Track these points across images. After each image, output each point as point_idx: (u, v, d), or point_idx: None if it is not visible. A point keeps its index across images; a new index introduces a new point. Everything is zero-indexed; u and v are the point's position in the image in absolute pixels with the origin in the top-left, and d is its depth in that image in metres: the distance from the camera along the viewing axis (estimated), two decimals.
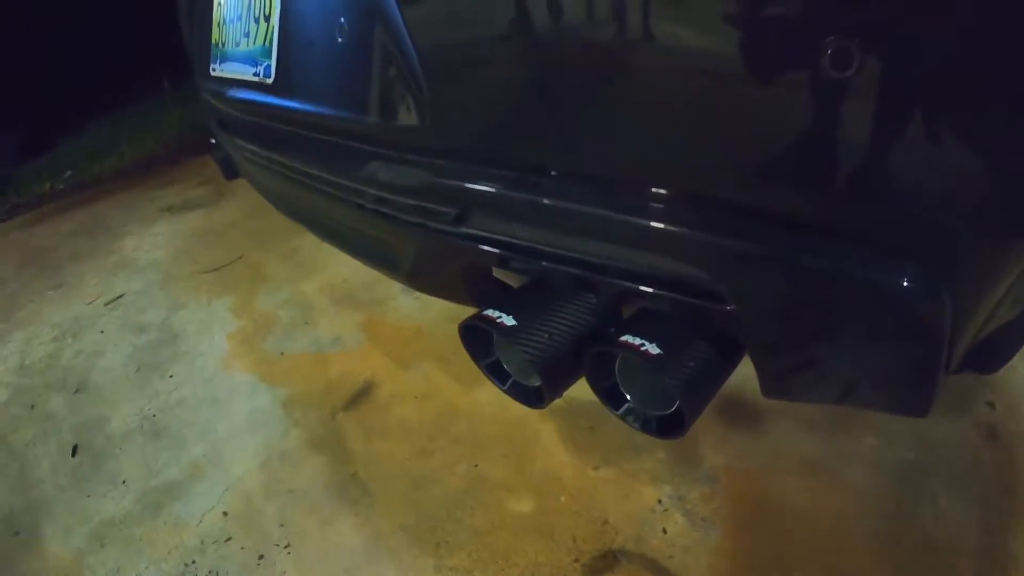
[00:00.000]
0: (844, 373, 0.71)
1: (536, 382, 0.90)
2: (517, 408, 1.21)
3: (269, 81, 1.04)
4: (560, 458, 1.11)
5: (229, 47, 1.22)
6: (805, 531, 0.93)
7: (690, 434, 1.11)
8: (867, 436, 1.08)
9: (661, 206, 0.66)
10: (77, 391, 1.58)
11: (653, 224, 0.67)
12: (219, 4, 1.24)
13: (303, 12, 0.97)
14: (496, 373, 0.91)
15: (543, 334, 0.79)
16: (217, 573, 1.02)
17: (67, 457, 1.36)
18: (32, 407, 1.56)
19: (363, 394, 1.34)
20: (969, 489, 0.98)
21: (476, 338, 0.88)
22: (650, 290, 0.72)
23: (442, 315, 1.55)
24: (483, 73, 0.77)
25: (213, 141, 1.74)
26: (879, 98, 0.53)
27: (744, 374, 1.22)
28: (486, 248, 0.82)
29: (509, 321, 0.78)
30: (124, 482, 1.25)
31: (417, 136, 0.84)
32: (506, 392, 0.91)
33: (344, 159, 0.98)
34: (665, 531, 0.95)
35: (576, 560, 0.93)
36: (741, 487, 1.01)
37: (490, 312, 0.80)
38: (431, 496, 1.07)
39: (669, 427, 0.78)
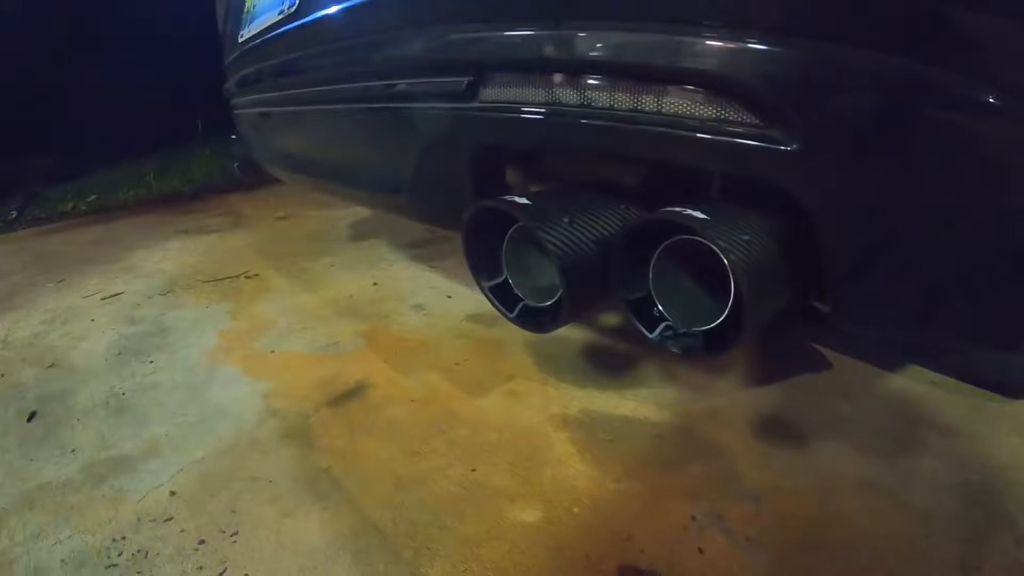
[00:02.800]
0: (928, 270, 0.59)
1: (548, 300, 0.80)
2: (527, 417, 1.08)
3: (293, 10, 1.22)
4: (575, 468, 0.95)
5: (259, 6, 1.41)
6: (868, 553, 0.76)
7: (726, 451, 0.96)
8: (926, 458, 0.93)
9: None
10: (51, 366, 1.47)
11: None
12: None
13: None
14: (503, 298, 0.80)
15: (564, 217, 0.70)
16: (146, 553, 0.85)
17: (22, 422, 1.22)
18: (2, 375, 1.44)
19: (354, 393, 1.20)
20: None
21: (485, 251, 0.79)
22: (695, 134, 0.62)
23: (450, 330, 1.44)
24: None
25: (233, 137, 1.80)
26: None
27: (783, 392, 1.09)
28: (502, 115, 0.79)
29: (524, 201, 0.69)
30: (73, 451, 1.11)
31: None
32: (514, 320, 0.81)
33: (361, 57, 1.06)
34: (702, 551, 0.78)
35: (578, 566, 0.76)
36: (790, 507, 0.85)
37: (505, 198, 0.72)
38: (416, 498, 0.92)
39: (717, 343, 0.65)
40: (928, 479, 0.89)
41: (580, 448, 0.99)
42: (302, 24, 1.23)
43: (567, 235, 0.76)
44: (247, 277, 1.96)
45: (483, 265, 0.91)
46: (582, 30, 0.71)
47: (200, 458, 1.05)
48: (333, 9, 1.12)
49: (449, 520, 0.87)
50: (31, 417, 1.24)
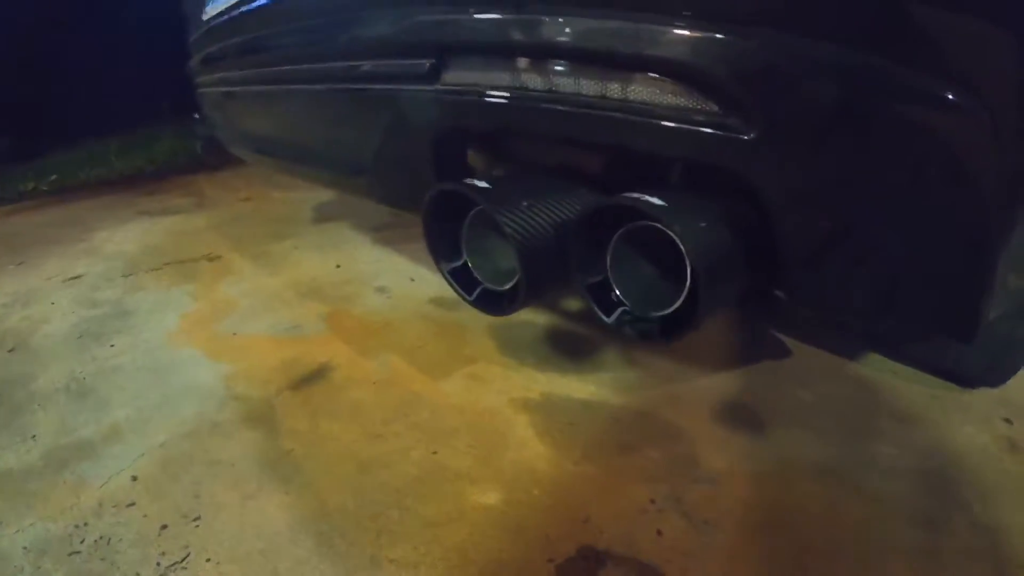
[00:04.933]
0: (882, 259, 0.61)
1: (507, 284, 0.81)
2: (488, 400, 1.09)
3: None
4: (535, 450, 0.97)
5: None
6: (825, 537, 0.80)
7: (685, 435, 0.99)
8: (883, 445, 0.97)
9: None
10: (12, 350, 1.45)
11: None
12: None
13: None
14: (462, 281, 0.82)
15: (523, 201, 0.71)
16: (108, 540, 0.86)
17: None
18: None
19: (316, 376, 1.21)
20: (1001, 499, 0.86)
21: (445, 234, 0.80)
22: (655, 121, 0.63)
23: (413, 313, 1.45)
24: None
25: (196, 116, 1.77)
26: None
27: (743, 379, 1.12)
28: (464, 98, 0.81)
29: (484, 185, 0.70)
30: (34, 437, 1.10)
31: None
32: (472, 303, 0.83)
33: (325, 37, 1.07)
34: (660, 533, 0.81)
35: (550, 560, 0.78)
36: (748, 490, 0.88)
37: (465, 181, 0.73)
38: (377, 481, 0.93)
39: (673, 328, 0.67)
40: (885, 466, 0.93)
41: (540, 431, 1.01)
42: (267, 2, 1.23)
43: (526, 219, 0.77)
44: (209, 260, 1.94)
45: (443, 248, 0.92)
46: (544, 15, 0.72)
47: (162, 442, 1.05)
48: None
49: (410, 502, 0.88)
50: None
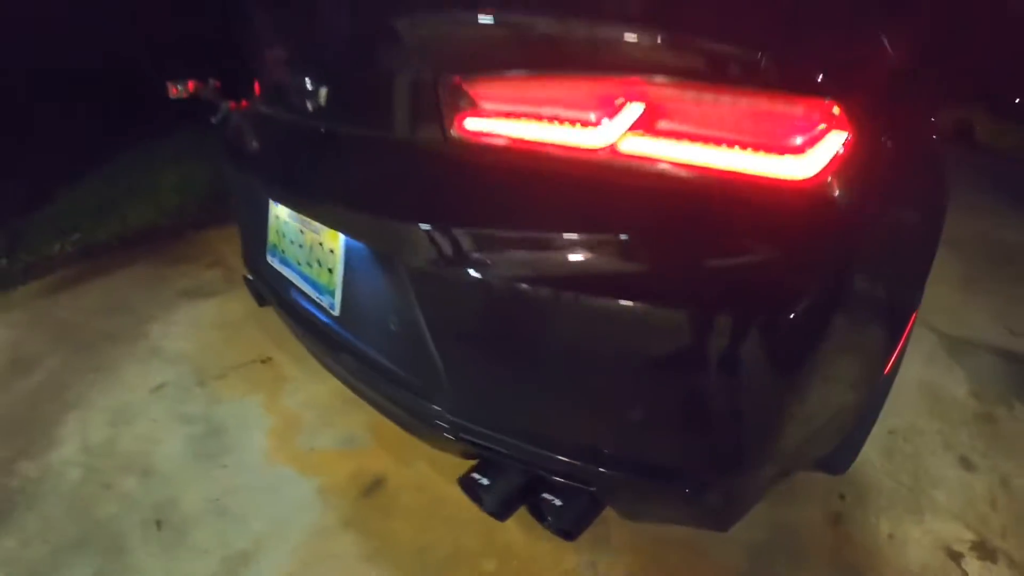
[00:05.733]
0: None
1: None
2: None
3: (335, 313, 1.45)
4: (515, 535, 1.69)
5: (289, 257, 1.65)
6: None
7: (604, 521, 1.71)
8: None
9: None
10: (145, 474, 2.02)
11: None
12: (276, 216, 1.69)
13: (359, 288, 1.43)
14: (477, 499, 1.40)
15: (506, 487, 1.34)
16: None
17: (154, 530, 1.84)
18: (108, 486, 2.00)
19: (376, 485, 1.90)
20: (810, 566, 1.61)
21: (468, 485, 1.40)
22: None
23: None
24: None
25: (251, 278, 2.23)
26: None
27: None
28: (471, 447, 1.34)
29: (485, 482, 1.34)
30: (206, 551, 1.76)
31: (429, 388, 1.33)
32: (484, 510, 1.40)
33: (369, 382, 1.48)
34: None
35: None
36: (640, 559, 1.61)
37: (475, 475, 1.36)
38: (432, 559, 1.64)
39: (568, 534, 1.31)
40: (733, 537, 1.60)
41: (520, 524, 1.72)
42: (341, 334, 1.49)
43: (504, 494, 1.32)
44: (262, 362, 2.55)
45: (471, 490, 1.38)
46: None
47: (295, 546, 1.74)
48: (365, 347, 1.44)
49: (449, 571, 1.60)
50: (159, 525, 1.87)
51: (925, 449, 2.29)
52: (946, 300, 3.69)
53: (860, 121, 0.93)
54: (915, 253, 1.38)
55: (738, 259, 0.94)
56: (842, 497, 1.93)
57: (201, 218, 4.37)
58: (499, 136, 1.10)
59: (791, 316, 0.91)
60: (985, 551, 1.86)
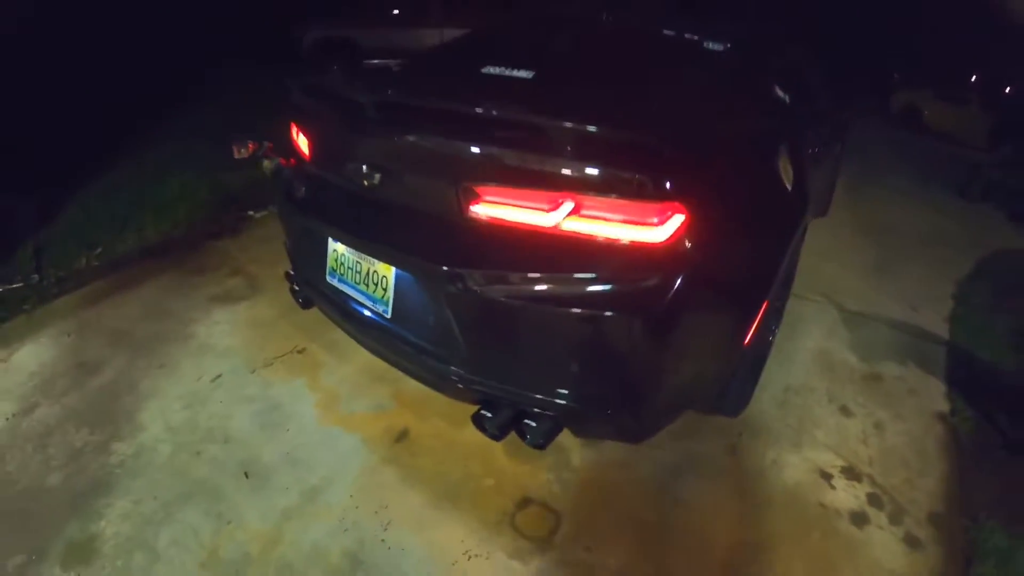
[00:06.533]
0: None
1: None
2: (488, 442, 2.57)
3: (388, 316, 2.15)
4: (506, 461, 2.48)
5: (348, 279, 2.33)
6: (621, 495, 2.35)
7: (564, 449, 2.51)
8: (644, 448, 2.51)
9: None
10: (226, 442, 2.68)
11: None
12: (334, 251, 2.38)
13: (405, 299, 2.16)
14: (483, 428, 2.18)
15: (501, 418, 2.11)
16: (353, 525, 2.32)
17: (244, 479, 2.56)
18: (197, 454, 2.67)
19: (403, 435, 2.66)
20: (709, 480, 2.43)
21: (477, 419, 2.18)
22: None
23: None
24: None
25: (296, 288, 2.91)
26: None
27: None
28: (478, 394, 2.14)
29: (488, 415, 2.10)
30: (287, 488, 2.50)
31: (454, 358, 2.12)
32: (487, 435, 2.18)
33: (410, 358, 2.24)
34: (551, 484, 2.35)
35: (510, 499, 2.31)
36: (591, 473, 2.42)
37: (482, 412, 2.13)
38: (449, 480, 2.42)
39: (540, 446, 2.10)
40: (655, 458, 2.45)
41: (508, 451, 2.51)
42: (393, 330, 2.19)
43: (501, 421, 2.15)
44: (299, 352, 3.25)
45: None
46: None
47: (353, 479, 2.50)
48: (411, 336, 2.13)
49: (472, 484, 2.38)
50: (247, 475, 2.61)
51: (812, 401, 3.09)
52: (856, 282, 4.52)
53: (693, 207, 1.74)
54: (752, 266, 2.20)
55: (628, 285, 1.76)
56: (740, 434, 2.76)
57: (212, 229, 4.87)
58: (493, 216, 1.87)
59: (656, 315, 1.73)
60: (852, 474, 2.63)
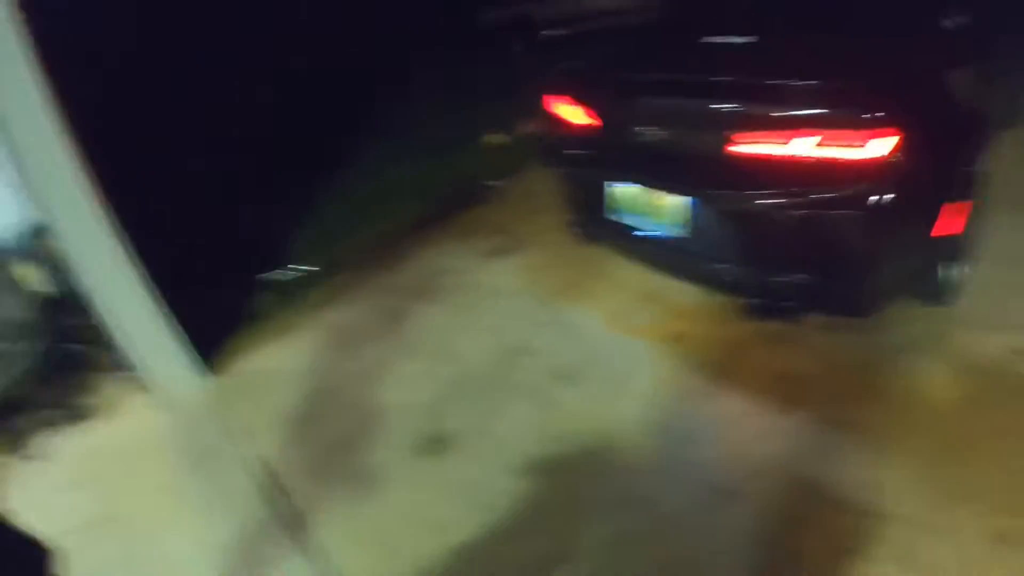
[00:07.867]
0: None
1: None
2: (747, 337, 3.40)
3: (688, 236, 2.90)
4: (750, 346, 3.31)
5: (632, 213, 3.26)
6: (856, 369, 3.12)
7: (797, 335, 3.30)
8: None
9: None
10: (532, 355, 3.73)
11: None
12: (610, 193, 3.36)
13: (699, 222, 3.00)
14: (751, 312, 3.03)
15: (764, 305, 2.97)
16: (658, 401, 3.27)
17: (558, 379, 3.52)
18: (512, 365, 3.66)
19: (679, 338, 3.53)
20: (921, 354, 3.06)
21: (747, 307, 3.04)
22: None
23: (700, 302, 3.74)
24: None
25: (579, 230, 3.88)
26: None
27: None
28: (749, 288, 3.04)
29: (756, 302, 2.97)
30: (602, 380, 3.39)
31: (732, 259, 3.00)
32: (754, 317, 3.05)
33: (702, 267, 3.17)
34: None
35: (771, 375, 3.16)
36: (827, 355, 3.22)
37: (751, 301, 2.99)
38: (711, 359, 3.28)
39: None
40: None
41: (766, 343, 3.34)
42: (693, 251, 3.05)
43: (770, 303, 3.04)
44: (575, 286, 4.14)
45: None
46: None
47: (647, 368, 3.42)
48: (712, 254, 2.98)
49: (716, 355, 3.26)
50: (559, 376, 3.59)
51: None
52: None
53: (904, 131, 2.40)
54: (948, 171, 2.75)
55: (858, 190, 2.44)
56: (950, 321, 3.19)
57: (459, 200, 5.58)
58: (743, 151, 2.67)
59: (880, 211, 2.40)
60: None
